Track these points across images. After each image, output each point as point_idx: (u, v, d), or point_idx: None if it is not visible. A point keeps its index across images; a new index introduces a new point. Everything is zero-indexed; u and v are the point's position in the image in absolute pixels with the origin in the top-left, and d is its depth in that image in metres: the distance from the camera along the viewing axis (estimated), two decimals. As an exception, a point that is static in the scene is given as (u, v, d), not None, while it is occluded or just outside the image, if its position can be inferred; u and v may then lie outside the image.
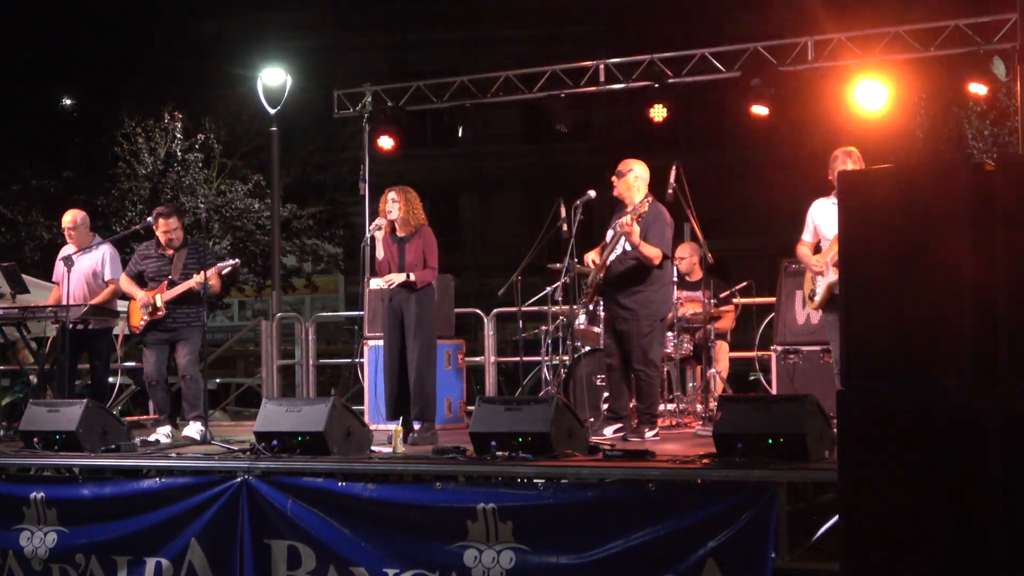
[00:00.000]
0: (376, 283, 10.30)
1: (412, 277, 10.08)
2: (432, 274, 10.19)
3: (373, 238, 10.28)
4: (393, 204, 10.14)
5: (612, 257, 10.01)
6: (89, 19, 26.83)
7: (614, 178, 10.04)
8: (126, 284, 10.89)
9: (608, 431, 9.88)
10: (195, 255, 10.63)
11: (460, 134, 14.72)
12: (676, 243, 10.76)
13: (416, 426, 9.98)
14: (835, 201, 9.31)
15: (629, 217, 9.73)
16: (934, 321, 5.50)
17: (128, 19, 27.33)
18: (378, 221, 10.29)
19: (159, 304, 10.49)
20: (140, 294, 10.62)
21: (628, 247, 9.90)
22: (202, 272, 10.29)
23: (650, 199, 9.94)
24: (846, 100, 13.23)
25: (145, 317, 10.57)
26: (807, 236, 9.76)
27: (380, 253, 10.23)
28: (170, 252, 10.68)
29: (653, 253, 9.75)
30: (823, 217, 9.59)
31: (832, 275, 9.31)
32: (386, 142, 14.95)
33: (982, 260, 5.44)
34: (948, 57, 12.95)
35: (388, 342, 10.24)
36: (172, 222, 10.65)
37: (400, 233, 10.20)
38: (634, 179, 9.99)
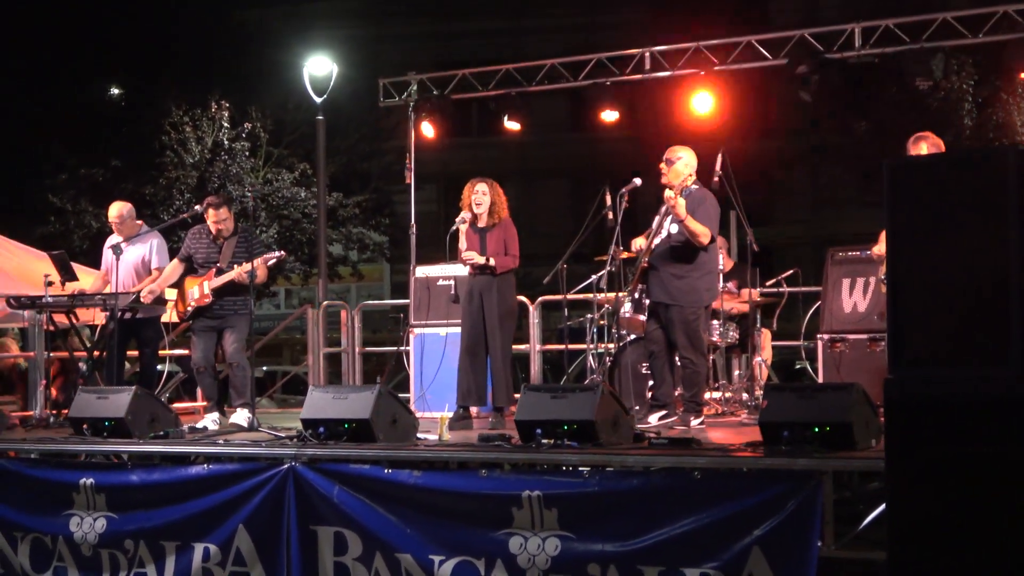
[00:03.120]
0: (428, 270, 10.43)
1: (492, 262, 10.33)
2: (513, 262, 10.48)
3: (458, 229, 10.44)
4: (484, 197, 10.42)
5: (657, 241, 10.03)
6: (135, 8, 27.00)
7: (663, 165, 10.05)
8: (177, 270, 10.97)
9: (653, 419, 9.88)
10: (244, 244, 10.71)
11: (517, 126, 14.70)
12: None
13: (500, 412, 10.35)
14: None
15: (673, 191, 9.76)
16: (982, 310, 5.47)
17: (174, 8, 27.48)
18: (464, 214, 10.46)
19: (206, 291, 10.59)
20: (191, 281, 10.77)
21: (674, 230, 9.92)
22: (247, 263, 10.38)
23: (697, 184, 9.97)
24: (893, 87, 13.14)
25: (192, 303, 10.66)
26: None
27: (463, 244, 10.40)
28: (220, 240, 10.77)
29: (700, 229, 9.75)
30: None
31: None
32: (431, 131, 14.98)
33: (1031, 249, 5.41)
34: (997, 44, 12.85)
35: (468, 329, 10.41)
36: (222, 212, 10.74)
37: (481, 224, 10.42)
38: (683, 166, 10.00)
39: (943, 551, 5.53)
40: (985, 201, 5.48)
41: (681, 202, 9.74)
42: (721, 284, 11.12)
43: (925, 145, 9.56)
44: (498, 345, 10.40)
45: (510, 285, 10.55)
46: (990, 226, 5.44)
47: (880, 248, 9.74)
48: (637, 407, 10.29)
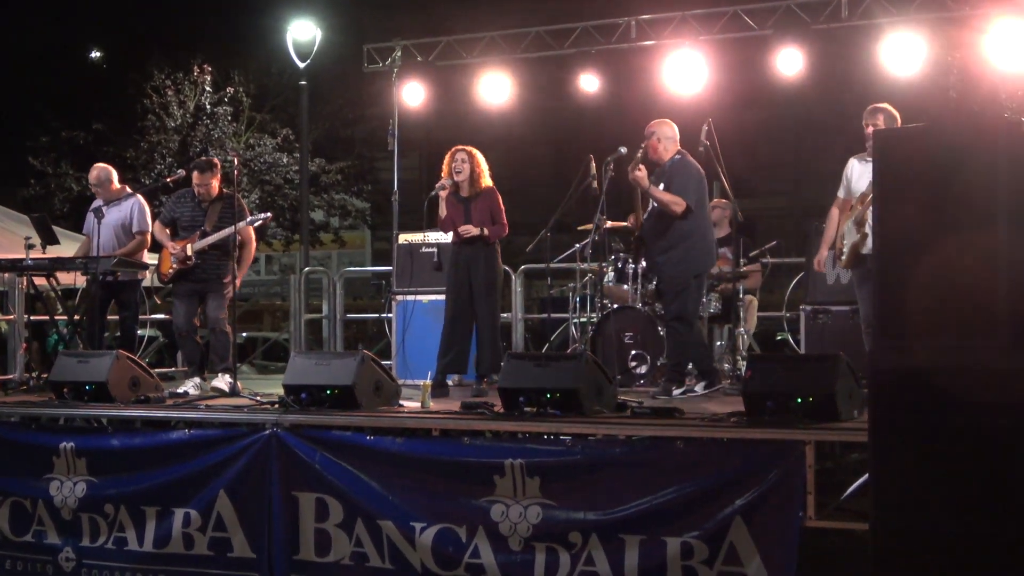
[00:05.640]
0: (411, 237, 10.43)
1: (485, 231, 10.34)
2: (503, 231, 10.52)
3: (437, 195, 10.42)
4: (463, 164, 10.41)
5: (645, 215, 10.04)
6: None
7: (647, 142, 10.05)
8: (159, 232, 10.96)
9: (698, 388, 9.87)
10: (230, 209, 10.64)
11: (503, 94, 14.66)
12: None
13: (479, 381, 10.43)
14: (867, 159, 9.30)
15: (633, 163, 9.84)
16: (968, 282, 5.46)
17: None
18: (444, 180, 10.44)
19: (189, 253, 10.54)
20: (170, 244, 10.68)
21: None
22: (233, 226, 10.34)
23: (680, 155, 9.95)
24: (878, 59, 13.11)
25: (174, 265, 10.61)
26: (841, 193, 9.75)
27: (443, 211, 10.40)
28: (205, 203, 10.73)
29: (667, 199, 9.75)
30: (853, 175, 9.59)
31: (855, 235, 9.32)
32: (414, 97, 14.92)
33: (1018, 220, 5.39)
34: (982, 15, 12.82)
35: (454, 297, 10.44)
36: (205, 176, 10.69)
37: (464, 193, 10.42)
38: (660, 140, 9.99)
39: (926, 522, 5.53)
40: (973, 172, 5.47)
41: (641, 174, 9.78)
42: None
43: (883, 117, 9.53)
44: (485, 314, 10.41)
45: (496, 254, 10.56)
46: (979, 198, 5.43)
47: (822, 256, 9.89)
48: (620, 376, 10.27)
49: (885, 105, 9.58)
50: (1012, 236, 5.35)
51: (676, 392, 9.71)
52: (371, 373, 8.67)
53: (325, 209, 29.66)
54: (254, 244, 11.01)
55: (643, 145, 9.97)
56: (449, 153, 10.62)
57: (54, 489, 9.05)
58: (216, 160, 11.25)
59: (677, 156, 9.99)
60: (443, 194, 10.47)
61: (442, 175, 10.58)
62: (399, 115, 15.06)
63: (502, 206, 10.55)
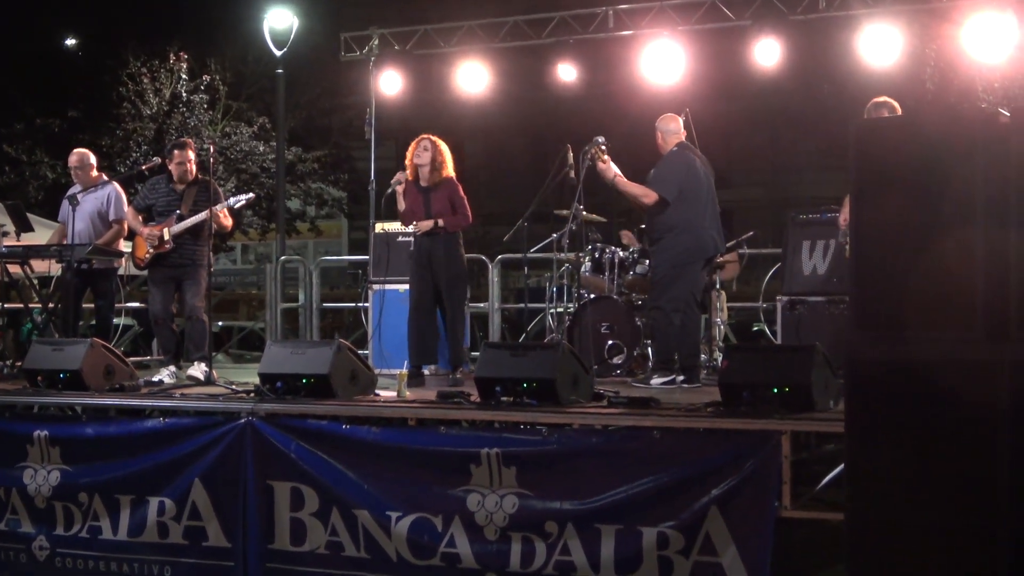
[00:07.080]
0: (388, 226, 10.39)
1: (441, 223, 10.22)
2: (464, 220, 10.38)
3: (394, 191, 10.36)
4: (425, 152, 10.29)
5: None
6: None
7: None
8: (131, 218, 10.90)
9: (655, 381, 9.89)
10: (205, 193, 10.60)
11: (480, 84, 14.62)
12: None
13: (452, 372, 10.30)
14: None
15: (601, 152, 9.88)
16: (946, 274, 5.47)
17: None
18: (398, 176, 10.36)
19: (167, 237, 10.48)
20: (145, 230, 10.62)
21: None
22: (212, 208, 10.31)
23: (677, 148, 10.00)
24: (856, 50, 13.10)
25: (150, 250, 10.55)
26: None
27: (402, 205, 10.34)
28: (180, 187, 10.68)
29: (636, 191, 9.84)
30: None
31: None
32: (391, 86, 14.87)
33: (995, 213, 5.40)
34: (959, 7, 12.83)
35: (417, 289, 10.33)
36: (185, 152, 10.69)
37: (424, 182, 10.32)
38: (661, 134, 10.09)
39: (901, 512, 5.54)
40: (950, 164, 5.47)
41: (603, 167, 9.89)
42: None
43: (887, 112, 9.55)
44: (449, 306, 10.34)
45: (457, 244, 10.41)
46: (956, 189, 5.44)
47: (846, 214, 9.88)
48: (596, 366, 10.28)
49: (888, 99, 9.61)
50: (989, 228, 5.35)
51: (656, 381, 9.72)
52: (347, 362, 8.65)
53: (302, 198, 29.58)
54: (231, 220, 10.96)
55: (599, 140, 10.01)
56: (415, 141, 10.53)
57: (28, 477, 9.01)
58: (190, 140, 11.24)
59: (674, 149, 10.03)
60: (400, 189, 10.39)
61: (406, 163, 10.50)
62: (376, 104, 14.98)
63: (463, 196, 10.41)
